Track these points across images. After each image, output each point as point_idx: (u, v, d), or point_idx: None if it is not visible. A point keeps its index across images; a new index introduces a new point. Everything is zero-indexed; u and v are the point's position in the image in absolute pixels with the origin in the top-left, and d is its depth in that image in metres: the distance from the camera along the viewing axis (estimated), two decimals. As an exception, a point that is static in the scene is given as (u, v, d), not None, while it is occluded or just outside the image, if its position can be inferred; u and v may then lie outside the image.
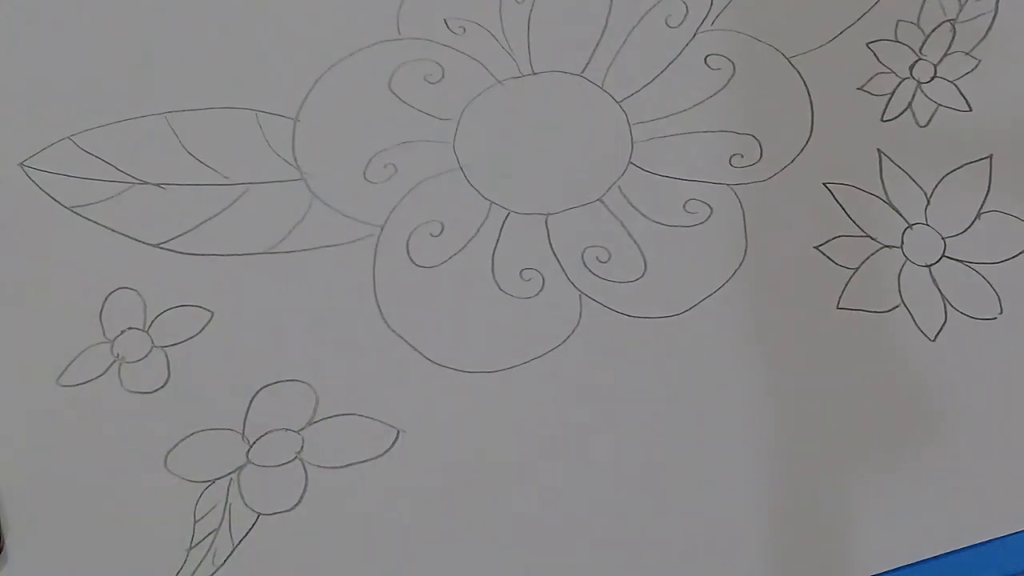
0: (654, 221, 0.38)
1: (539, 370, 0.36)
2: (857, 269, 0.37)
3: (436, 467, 0.34)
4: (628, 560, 0.33)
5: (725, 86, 0.41)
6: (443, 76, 0.41)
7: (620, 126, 0.40)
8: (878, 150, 0.40)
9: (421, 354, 0.36)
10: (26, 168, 0.39)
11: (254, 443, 0.34)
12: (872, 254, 0.38)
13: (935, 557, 0.33)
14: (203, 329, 0.36)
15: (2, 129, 0.40)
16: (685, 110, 0.41)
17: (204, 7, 0.42)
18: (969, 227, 0.38)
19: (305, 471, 0.34)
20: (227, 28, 0.42)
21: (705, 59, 0.42)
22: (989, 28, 0.42)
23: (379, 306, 0.37)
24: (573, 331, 0.36)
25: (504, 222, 0.38)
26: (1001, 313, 0.37)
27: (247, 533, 0.33)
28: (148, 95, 0.40)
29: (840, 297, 0.37)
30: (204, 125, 0.40)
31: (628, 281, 0.37)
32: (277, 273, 0.37)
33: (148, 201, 0.38)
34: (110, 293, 0.37)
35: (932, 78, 0.41)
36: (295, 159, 0.39)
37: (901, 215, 0.38)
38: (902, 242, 0.38)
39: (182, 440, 0.34)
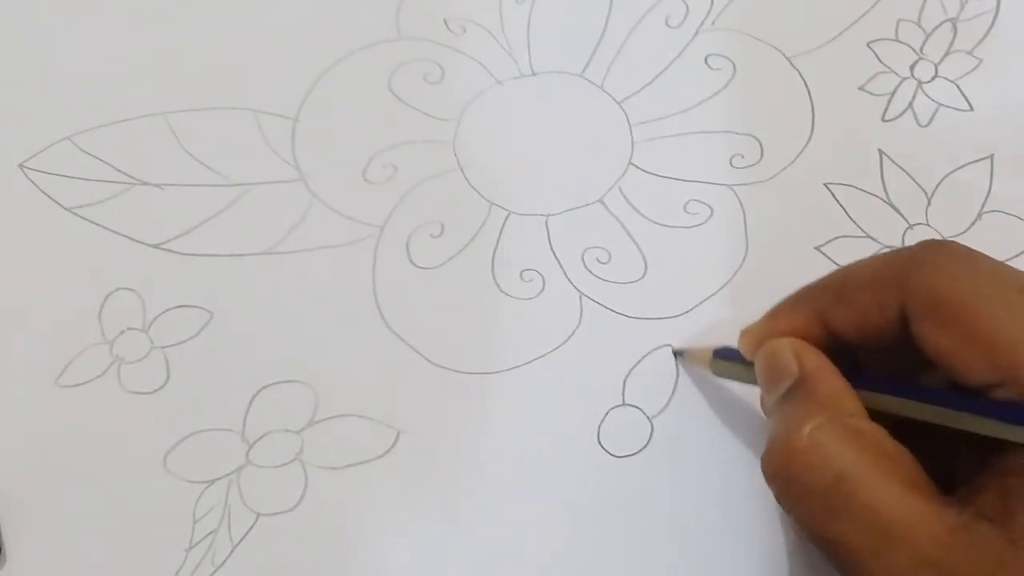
0: (654, 222, 0.38)
1: (539, 371, 0.36)
2: (858, 269, 0.37)
3: (436, 468, 0.34)
4: (629, 560, 0.33)
5: (725, 86, 0.41)
6: (443, 76, 0.41)
7: (620, 127, 0.40)
8: (879, 150, 0.40)
9: (421, 355, 0.36)
10: (25, 169, 0.39)
11: (254, 444, 0.34)
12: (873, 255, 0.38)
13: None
14: (202, 330, 0.36)
15: (2, 129, 0.40)
16: (685, 110, 0.40)
17: (203, 7, 0.42)
18: (970, 227, 0.38)
19: (305, 472, 0.34)
20: (226, 28, 0.42)
21: (705, 59, 0.42)
22: (990, 27, 0.42)
23: (379, 307, 0.37)
24: (573, 332, 0.36)
25: (504, 223, 0.38)
26: (1002, 314, 0.37)
27: (246, 534, 0.33)
28: (147, 95, 0.40)
29: (841, 298, 0.37)
30: (203, 125, 0.40)
31: (628, 282, 0.37)
32: (277, 274, 0.37)
33: (147, 201, 0.38)
34: (109, 294, 0.37)
35: (933, 78, 0.41)
36: (294, 159, 0.39)
37: (902, 215, 0.38)
38: (903, 242, 0.38)
39: (181, 441, 0.34)
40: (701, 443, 0.34)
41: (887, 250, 0.29)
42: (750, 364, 0.31)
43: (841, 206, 0.38)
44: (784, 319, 0.30)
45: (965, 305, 0.26)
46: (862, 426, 0.26)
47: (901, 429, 0.27)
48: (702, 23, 0.42)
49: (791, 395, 0.28)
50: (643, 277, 0.37)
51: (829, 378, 0.28)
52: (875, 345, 0.28)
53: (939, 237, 0.38)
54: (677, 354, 0.35)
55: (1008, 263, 0.27)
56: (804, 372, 0.28)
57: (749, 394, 0.35)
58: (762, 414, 0.31)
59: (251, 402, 0.35)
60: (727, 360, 0.32)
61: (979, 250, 0.27)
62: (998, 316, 0.25)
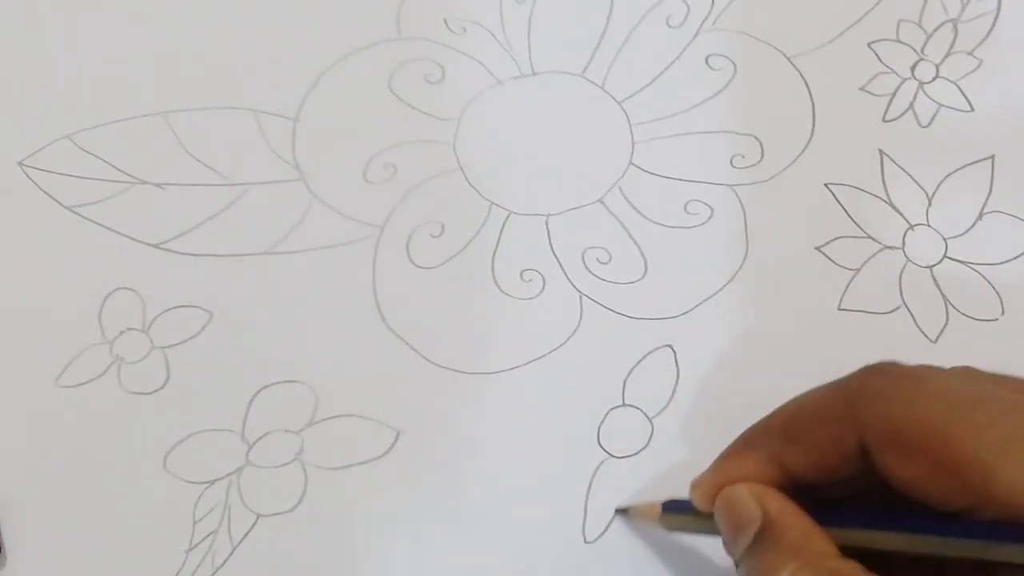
0: (655, 222, 0.38)
1: (539, 371, 0.36)
2: (858, 270, 0.37)
3: (436, 468, 0.34)
4: (629, 560, 0.33)
5: (726, 86, 0.41)
6: (443, 76, 0.41)
7: (621, 126, 0.40)
8: (880, 151, 0.40)
9: (421, 355, 0.36)
10: (25, 167, 0.39)
11: (253, 444, 0.34)
12: (873, 255, 0.38)
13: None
14: (202, 330, 0.36)
15: (1, 128, 0.40)
16: (686, 110, 0.40)
17: (203, 7, 0.42)
18: (971, 228, 0.38)
19: (305, 472, 0.34)
20: (226, 28, 0.42)
21: (706, 59, 0.41)
22: (991, 28, 0.42)
23: (379, 307, 0.37)
24: (573, 332, 0.36)
25: (504, 223, 0.38)
26: (1003, 314, 0.37)
27: (247, 534, 0.33)
28: (148, 95, 0.40)
29: (841, 298, 0.37)
30: (203, 125, 0.40)
31: (629, 282, 0.37)
32: (277, 273, 0.37)
33: (147, 201, 0.38)
34: (109, 293, 0.37)
35: (934, 78, 0.41)
36: (294, 159, 0.39)
37: (903, 216, 0.38)
38: (903, 243, 0.38)
39: (181, 441, 0.34)
40: (701, 443, 0.34)
41: (834, 381, 0.28)
42: (705, 515, 0.29)
43: (842, 206, 0.38)
44: (736, 466, 0.29)
45: (925, 432, 0.25)
46: (838, 567, 0.25)
47: (875, 560, 0.25)
48: (703, 23, 0.42)
49: (759, 542, 0.27)
50: (643, 277, 0.37)
51: (796, 520, 0.27)
52: (835, 480, 0.27)
53: (939, 239, 0.38)
54: (620, 512, 0.33)
55: (961, 365, 0.27)
56: (769, 517, 0.27)
57: (749, 394, 0.35)
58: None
59: (251, 402, 0.35)
60: (679, 513, 0.31)
61: (925, 365, 0.27)
62: (960, 438, 0.24)
